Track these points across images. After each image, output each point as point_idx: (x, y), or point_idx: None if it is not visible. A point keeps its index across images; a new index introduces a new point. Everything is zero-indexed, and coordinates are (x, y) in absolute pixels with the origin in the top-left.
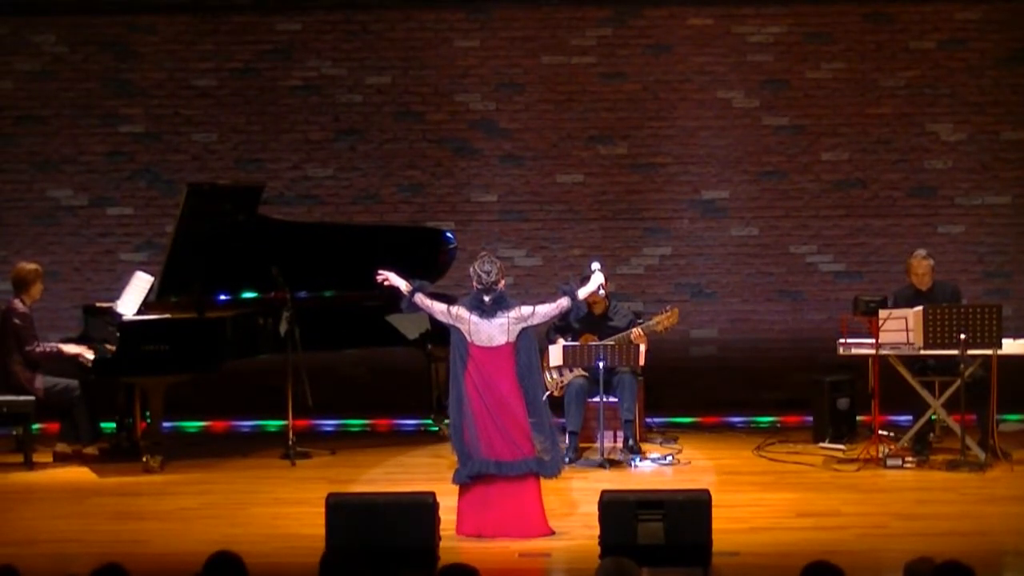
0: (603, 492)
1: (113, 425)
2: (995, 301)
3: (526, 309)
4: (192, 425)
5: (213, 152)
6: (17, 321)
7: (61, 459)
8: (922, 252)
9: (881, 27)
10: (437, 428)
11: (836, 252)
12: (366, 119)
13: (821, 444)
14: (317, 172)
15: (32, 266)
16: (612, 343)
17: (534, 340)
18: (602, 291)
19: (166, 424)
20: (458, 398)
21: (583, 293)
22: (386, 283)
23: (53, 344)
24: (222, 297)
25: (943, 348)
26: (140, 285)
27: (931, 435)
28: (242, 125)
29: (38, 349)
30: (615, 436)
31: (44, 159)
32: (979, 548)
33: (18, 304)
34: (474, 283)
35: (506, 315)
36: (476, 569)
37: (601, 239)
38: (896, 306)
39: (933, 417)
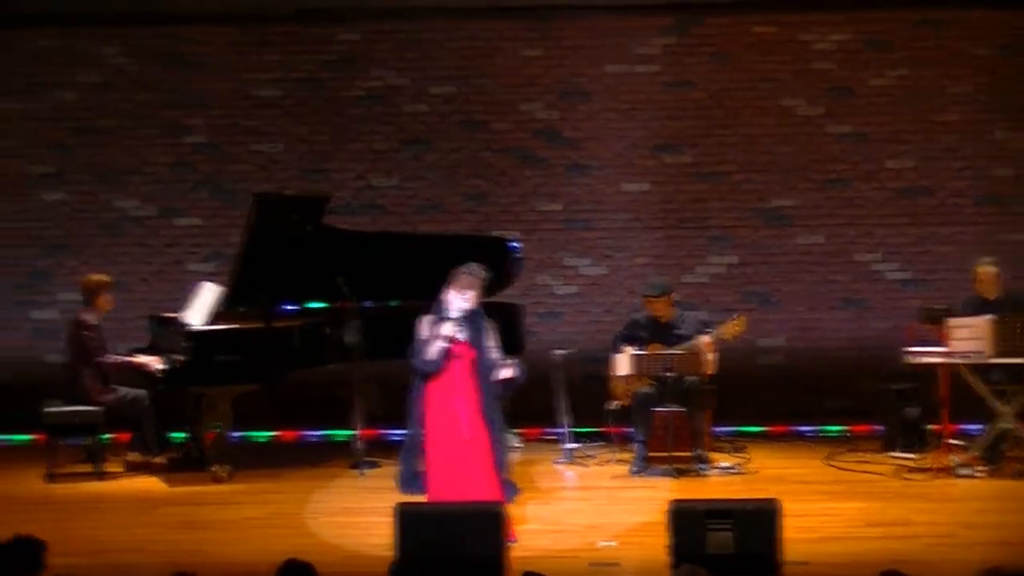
0: (672, 502)
1: (182, 435)
2: None
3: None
4: (260, 435)
5: (278, 162)
6: (86, 332)
7: (131, 469)
8: (988, 260)
9: (945, 34)
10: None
11: (901, 260)
12: (430, 129)
13: (891, 453)
14: (382, 182)
15: (101, 277)
16: (680, 351)
17: None
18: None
19: (234, 434)
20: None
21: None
22: None
23: (122, 355)
24: (289, 307)
25: (1014, 357)
26: (208, 295)
27: (1002, 444)
28: (307, 135)
29: (107, 360)
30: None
31: (106, 170)
32: None
33: (87, 316)
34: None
35: None
36: None
37: (666, 248)
38: (962, 315)
39: (1004, 426)
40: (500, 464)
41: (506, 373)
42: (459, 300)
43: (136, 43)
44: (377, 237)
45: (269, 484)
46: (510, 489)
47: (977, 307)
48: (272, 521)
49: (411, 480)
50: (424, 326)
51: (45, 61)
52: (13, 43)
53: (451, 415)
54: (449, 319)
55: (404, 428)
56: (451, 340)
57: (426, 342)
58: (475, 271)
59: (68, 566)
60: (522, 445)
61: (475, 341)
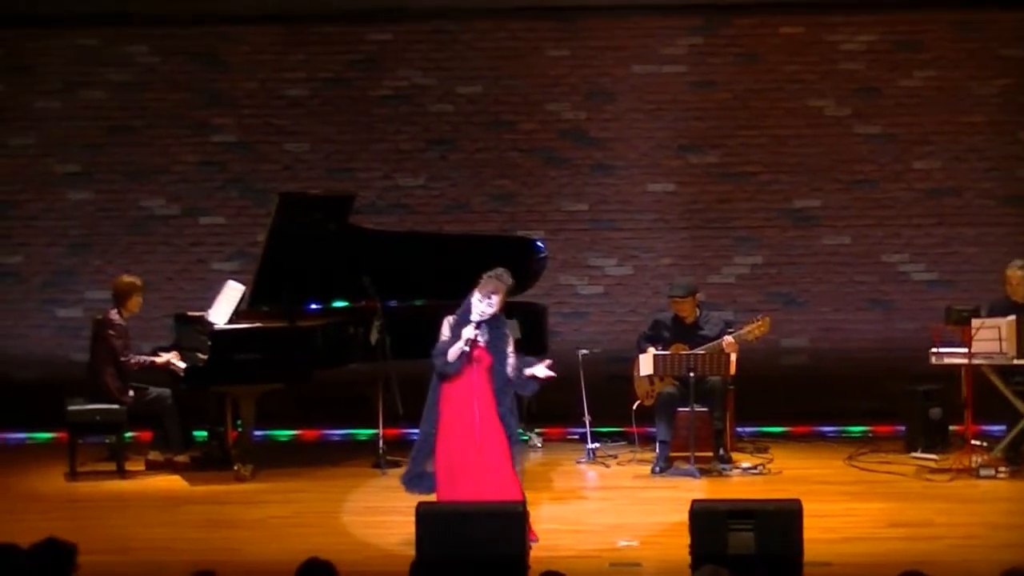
0: (694, 501)
1: (205, 434)
2: None
3: None
4: (283, 434)
5: (304, 162)
6: (112, 332)
7: (153, 467)
8: (1019, 263)
9: (973, 35)
10: (527, 437)
11: (928, 261)
12: (456, 129)
13: (913, 454)
14: (408, 182)
15: (134, 280)
16: (703, 352)
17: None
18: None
19: (257, 433)
20: None
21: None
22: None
23: (146, 356)
24: (313, 306)
25: None
26: (232, 294)
27: None
28: (333, 135)
29: (132, 361)
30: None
31: (136, 169)
32: None
33: (114, 316)
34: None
35: None
36: None
37: (691, 248)
38: (991, 316)
39: None
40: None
41: (542, 372)
42: (483, 304)
43: (167, 43)
44: (402, 237)
45: (292, 483)
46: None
47: (1006, 309)
48: (294, 520)
49: (417, 480)
50: (446, 327)
51: (80, 61)
52: (52, 44)
53: (467, 418)
54: (471, 322)
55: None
56: (471, 344)
57: (447, 343)
58: (502, 276)
59: (91, 564)
60: (541, 445)
61: (494, 347)
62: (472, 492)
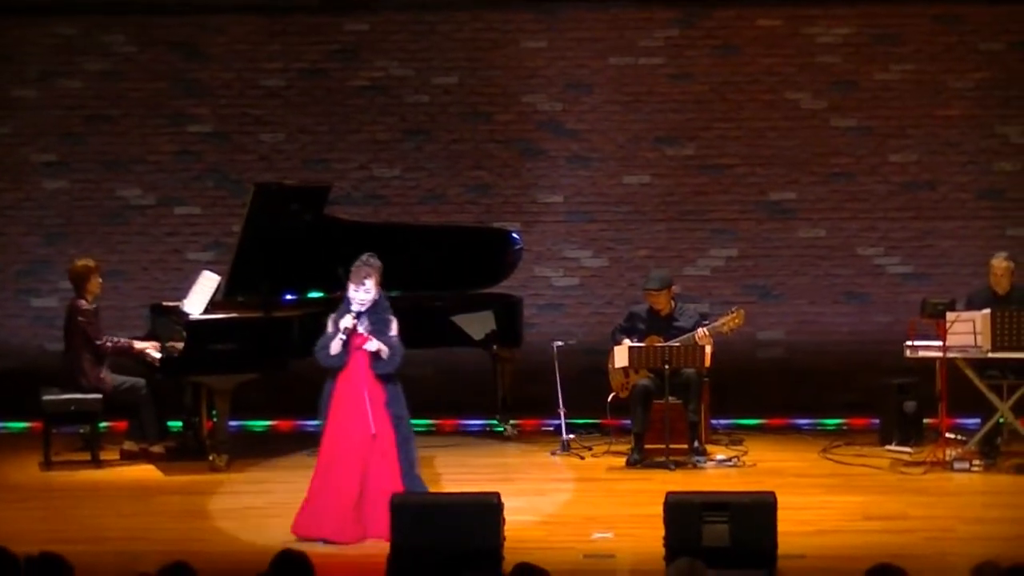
0: (668, 494)
1: (180, 424)
2: None
3: None
4: (258, 424)
5: (280, 152)
6: (82, 319)
7: (128, 457)
8: (1003, 254)
9: (950, 28)
10: (503, 429)
11: (904, 254)
12: (433, 119)
13: (888, 447)
14: (384, 172)
15: (85, 262)
16: (678, 344)
17: None
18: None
19: (232, 423)
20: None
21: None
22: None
23: (122, 338)
24: (289, 297)
25: (1011, 351)
26: (207, 284)
27: (999, 438)
28: (309, 125)
29: (108, 344)
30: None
31: (113, 159)
32: None
33: (82, 302)
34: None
35: None
36: (547, 571)
37: (667, 240)
38: (971, 308)
39: (1001, 420)
40: (406, 460)
41: (371, 346)
42: (360, 292)
43: (144, 32)
44: (378, 228)
45: (267, 473)
46: (419, 487)
47: (987, 301)
48: (269, 511)
49: None
50: (330, 324)
51: (57, 50)
52: (29, 32)
53: (358, 408)
54: (349, 312)
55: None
56: (349, 332)
57: (328, 337)
58: (370, 261)
59: (66, 554)
60: (516, 435)
61: (376, 332)
62: (351, 480)
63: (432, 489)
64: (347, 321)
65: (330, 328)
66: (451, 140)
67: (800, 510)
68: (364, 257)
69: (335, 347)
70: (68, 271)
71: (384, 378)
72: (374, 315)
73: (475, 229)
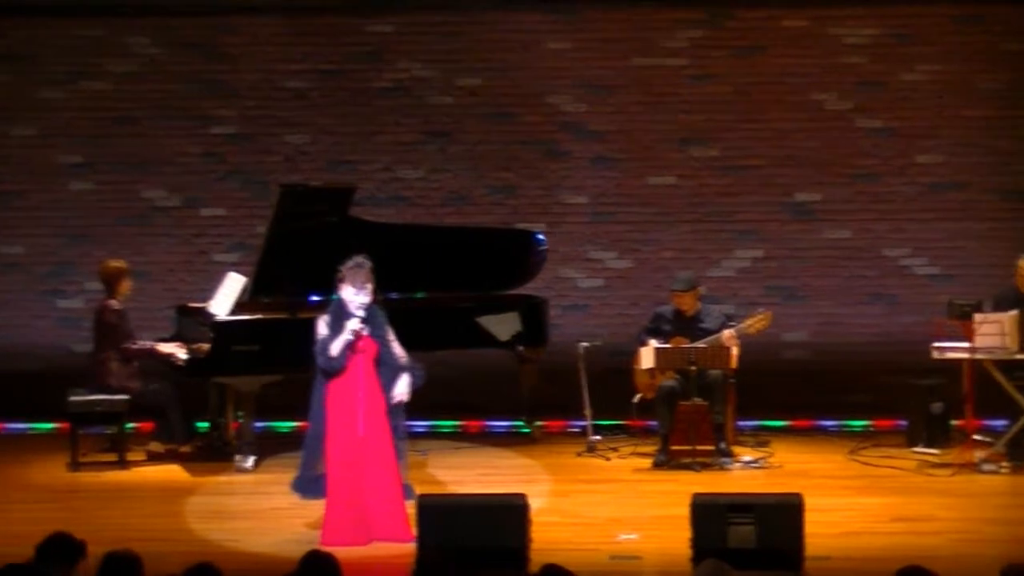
0: (694, 495)
1: (206, 425)
2: None
3: None
4: (284, 425)
5: (305, 154)
6: (112, 320)
7: (154, 458)
8: None
9: (975, 28)
10: (528, 430)
11: (930, 255)
12: (457, 121)
13: (915, 448)
14: (408, 174)
15: (117, 263)
16: (704, 345)
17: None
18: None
19: (258, 424)
20: None
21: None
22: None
23: (148, 342)
24: (314, 298)
25: None
26: (232, 286)
27: None
28: (333, 127)
29: (134, 346)
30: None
31: (138, 160)
32: None
33: (112, 303)
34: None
35: None
36: (574, 573)
37: (692, 241)
38: (997, 309)
39: None
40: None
41: (401, 393)
42: (360, 295)
43: (169, 34)
44: (402, 229)
45: (292, 475)
46: (406, 491)
47: (1013, 302)
48: (297, 512)
49: (312, 484)
50: (323, 326)
51: (82, 52)
52: (54, 34)
53: (350, 411)
54: (352, 315)
55: (428, 420)
56: (357, 335)
57: (328, 339)
58: (364, 264)
59: (92, 555)
60: (541, 434)
61: (378, 335)
62: (356, 490)
63: (458, 490)
64: (355, 324)
65: (323, 330)
66: (475, 141)
67: (826, 512)
68: (358, 259)
69: (337, 348)
70: (100, 271)
71: (383, 380)
72: (373, 317)
73: (499, 230)
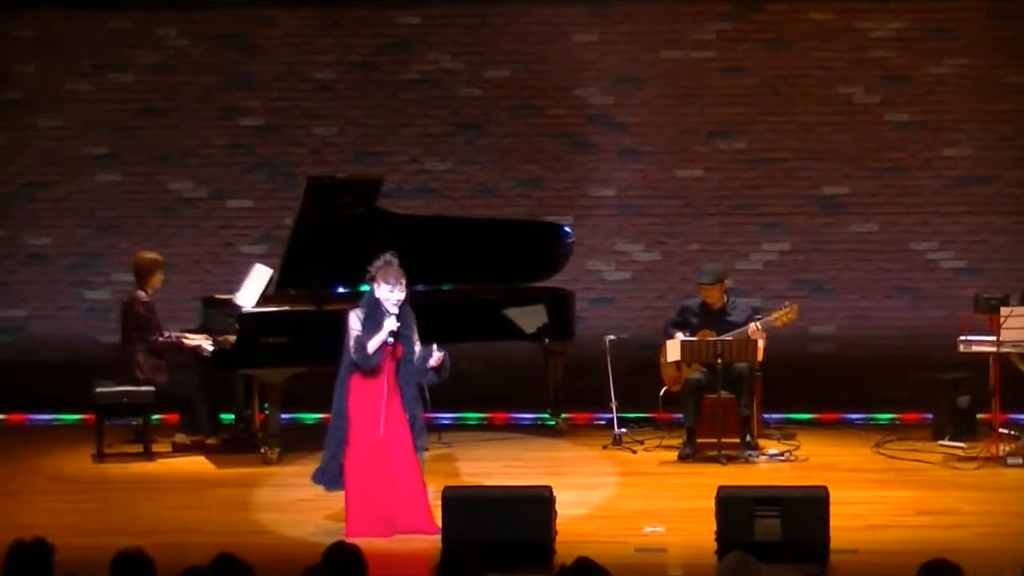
0: (720, 488)
1: (232, 417)
2: None
3: None
4: (310, 417)
5: (332, 145)
6: (141, 311)
7: (180, 450)
8: None
9: (1004, 23)
10: (554, 422)
11: (957, 249)
12: (485, 113)
13: (941, 442)
14: (435, 166)
15: (152, 255)
16: (731, 338)
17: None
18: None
19: (284, 416)
20: None
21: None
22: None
23: (175, 334)
24: (340, 290)
25: None
26: (259, 277)
27: None
28: (361, 119)
29: (161, 339)
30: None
31: (165, 152)
32: None
33: (141, 294)
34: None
35: None
36: (605, 569)
37: (719, 234)
38: (1022, 303)
39: None
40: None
41: (435, 360)
42: (395, 292)
43: (196, 25)
44: (430, 221)
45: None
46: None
47: None
48: (322, 503)
49: (333, 476)
50: (355, 321)
51: (110, 44)
52: (82, 26)
53: (373, 411)
54: (388, 313)
55: (453, 412)
56: (394, 335)
57: (364, 336)
58: (393, 260)
59: (118, 546)
60: (567, 427)
61: (405, 336)
62: (379, 486)
63: (484, 483)
64: (392, 323)
65: (356, 327)
66: (503, 134)
67: (852, 505)
68: (386, 256)
69: (374, 346)
70: (133, 262)
71: (401, 381)
72: (404, 316)
73: (526, 223)
